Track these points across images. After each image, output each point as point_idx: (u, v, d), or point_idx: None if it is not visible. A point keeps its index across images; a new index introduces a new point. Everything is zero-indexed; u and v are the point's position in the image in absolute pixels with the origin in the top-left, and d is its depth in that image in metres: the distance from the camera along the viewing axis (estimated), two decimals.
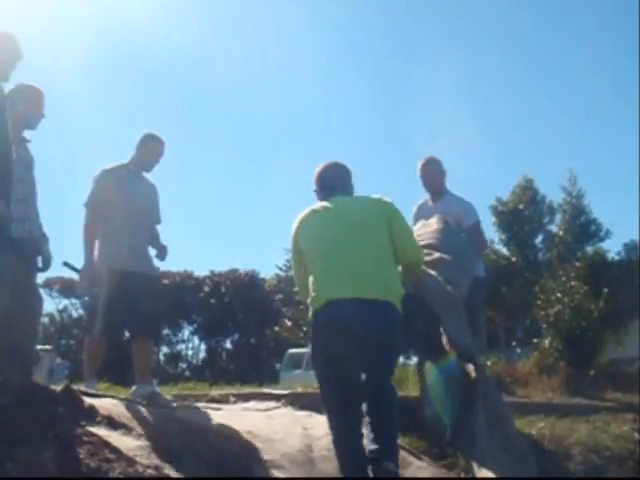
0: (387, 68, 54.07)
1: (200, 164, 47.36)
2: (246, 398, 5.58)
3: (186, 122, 51.44)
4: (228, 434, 3.86)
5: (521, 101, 49.66)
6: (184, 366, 30.44)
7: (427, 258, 4.88)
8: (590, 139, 51.88)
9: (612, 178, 48.74)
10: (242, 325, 29.27)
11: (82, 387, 4.61)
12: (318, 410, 4.56)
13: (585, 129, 51.64)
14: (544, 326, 9.02)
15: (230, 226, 50.84)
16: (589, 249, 12.24)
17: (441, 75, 49.83)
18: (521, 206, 13.39)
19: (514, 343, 10.67)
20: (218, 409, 4.80)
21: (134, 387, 5.24)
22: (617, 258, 11.88)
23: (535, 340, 6.70)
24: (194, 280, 33.13)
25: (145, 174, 5.98)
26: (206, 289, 31.01)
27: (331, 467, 3.75)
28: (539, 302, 9.26)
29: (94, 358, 5.53)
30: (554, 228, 13.24)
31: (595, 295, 9.24)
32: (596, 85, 49.26)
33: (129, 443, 3.23)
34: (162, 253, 5.78)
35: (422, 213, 6.24)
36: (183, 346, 34.57)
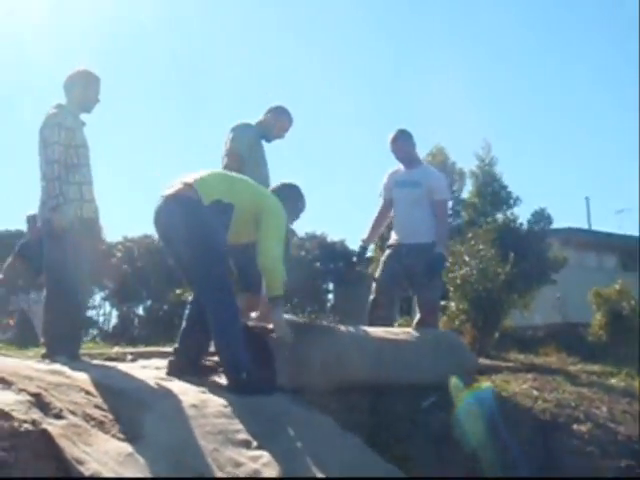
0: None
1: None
2: (147, 357, 5.43)
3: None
4: (117, 389, 3.70)
5: (434, 70, 50.29)
6: (95, 332, 29.79)
7: None
8: (503, 109, 52.83)
9: (523, 148, 49.76)
10: (155, 291, 28.78)
11: None
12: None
13: (498, 99, 52.55)
14: (451, 289, 9.10)
15: (145, 191, 49.99)
16: (499, 216, 12.41)
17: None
18: None
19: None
20: (113, 367, 4.64)
21: None
22: (525, 226, 12.08)
23: (443, 303, 6.71)
24: (105, 246, 32.40)
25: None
26: (118, 255, 30.34)
27: (225, 422, 3.65)
28: (447, 265, 9.33)
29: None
30: (464, 195, 13.42)
31: (502, 259, 9.37)
32: (509, 54, 50.11)
33: (7, 398, 3.04)
34: None
35: (393, 178, 6.48)
36: (94, 312, 33.76)
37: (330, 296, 31.79)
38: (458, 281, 8.90)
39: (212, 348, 4.56)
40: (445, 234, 6.35)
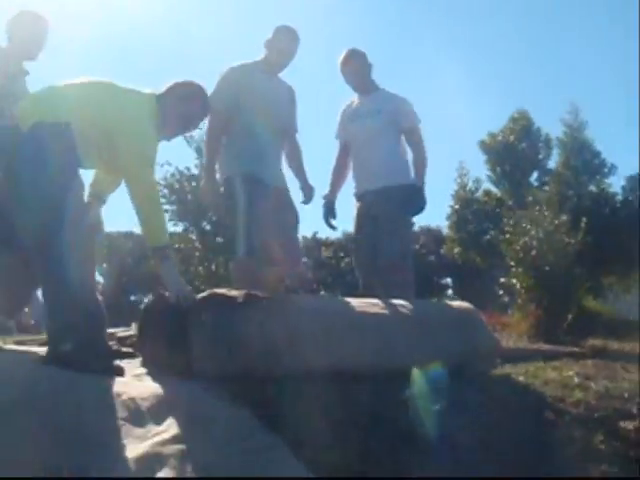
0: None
1: None
2: None
3: None
4: None
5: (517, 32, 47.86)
6: None
7: None
8: (590, 70, 49.61)
9: (613, 111, 46.31)
10: None
11: None
12: None
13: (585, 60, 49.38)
14: (512, 263, 7.75)
15: None
16: (592, 188, 10.88)
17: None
18: (512, 137, 11.87)
19: (500, 291, 9.49)
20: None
21: None
22: (620, 195, 10.54)
23: (502, 280, 5.50)
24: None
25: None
26: None
27: (88, 418, 2.72)
28: (507, 236, 7.99)
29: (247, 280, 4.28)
30: (551, 164, 11.92)
31: (574, 227, 7.96)
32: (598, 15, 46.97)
33: None
34: (308, 192, 4.86)
35: (347, 113, 5.31)
36: None
37: (450, 292, 30.71)
38: (521, 254, 7.56)
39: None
40: (424, 166, 5.15)
